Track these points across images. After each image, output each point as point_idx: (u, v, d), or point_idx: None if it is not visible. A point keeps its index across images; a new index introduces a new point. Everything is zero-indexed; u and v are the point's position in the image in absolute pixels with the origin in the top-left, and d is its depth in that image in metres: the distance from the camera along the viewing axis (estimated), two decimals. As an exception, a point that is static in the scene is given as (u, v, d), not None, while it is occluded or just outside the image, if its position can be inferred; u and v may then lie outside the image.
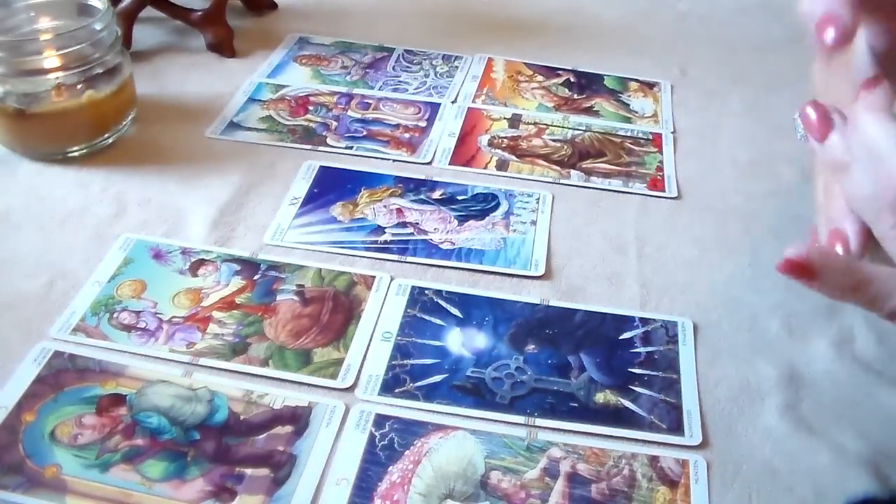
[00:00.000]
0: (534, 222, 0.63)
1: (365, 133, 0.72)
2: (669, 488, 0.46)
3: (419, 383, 0.51)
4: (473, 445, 0.47)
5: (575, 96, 0.78)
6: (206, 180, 0.65)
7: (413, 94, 0.77)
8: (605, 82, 0.81)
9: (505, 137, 0.72)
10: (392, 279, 0.57)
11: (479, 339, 0.54)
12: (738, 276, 0.60)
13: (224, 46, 0.81)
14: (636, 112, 0.77)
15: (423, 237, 0.61)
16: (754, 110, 0.78)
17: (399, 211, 0.63)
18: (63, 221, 0.60)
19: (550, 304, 0.56)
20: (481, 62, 0.83)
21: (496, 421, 0.49)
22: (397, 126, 0.73)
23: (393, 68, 0.81)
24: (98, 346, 0.51)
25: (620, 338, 0.54)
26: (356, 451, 0.46)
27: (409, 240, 0.61)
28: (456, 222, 0.62)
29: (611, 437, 0.48)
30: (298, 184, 0.65)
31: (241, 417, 0.48)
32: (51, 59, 0.63)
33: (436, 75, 0.80)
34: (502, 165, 0.69)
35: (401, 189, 0.65)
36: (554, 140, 0.72)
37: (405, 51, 0.83)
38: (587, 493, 0.45)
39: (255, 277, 0.57)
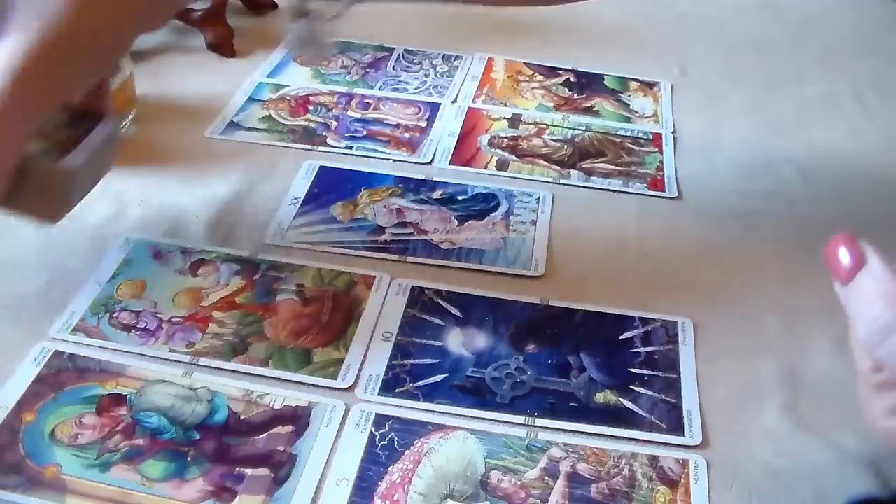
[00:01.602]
0: (534, 222, 0.63)
1: (365, 133, 0.72)
2: (669, 488, 0.46)
3: (419, 383, 0.51)
4: (473, 445, 0.47)
5: (575, 96, 0.78)
6: (206, 180, 0.65)
7: (413, 93, 0.77)
8: (605, 82, 0.81)
9: (505, 137, 0.72)
10: (392, 279, 0.57)
11: (479, 339, 0.54)
12: (738, 276, 0.60)
13: (224, 46, 0.81)
14: (636, 112, 0.77)
15: (423, 237, 0.61)
16: (754, 110, 0.78)
17: (399, 211, 0.63)
18: (63, 221, 0.60)
19: (550, 304, 0.56)
20: (481, 62, 0.83)
21: (496, 421, 0.49)
22: (397, 126, 0.73)
23: (393, 68, 0.81)
24: (98, 346, 0.51)
25: (620, 338, 0.54)
26: (356, 451, 0.46)
27: (409, 240, 0.61)
28: (456, 222, 0.62)
29: (611, 437, 0.48)
30: (298, 183, 0.65)
31: (241, 417, 0.48)
32: (51, 58, 0.63)
33: (436, 75, 0.80)
34: (502, 165, 0.69)
35: (401, 189, 0.65)
36: (554, 140, 0.72)
37: (405, 51, 0.83)
38: (587, 493, 0.45)
39: (255, 277, 0.57)
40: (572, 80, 0.81)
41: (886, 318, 0.38)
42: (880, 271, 0.39)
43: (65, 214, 0.52)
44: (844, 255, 0.40)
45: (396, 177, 0.67)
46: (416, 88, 0.78)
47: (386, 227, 0.61)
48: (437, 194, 0.65)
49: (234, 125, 0.71)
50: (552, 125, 0.74)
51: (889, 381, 0.39)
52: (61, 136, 0.52)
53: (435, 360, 0.52)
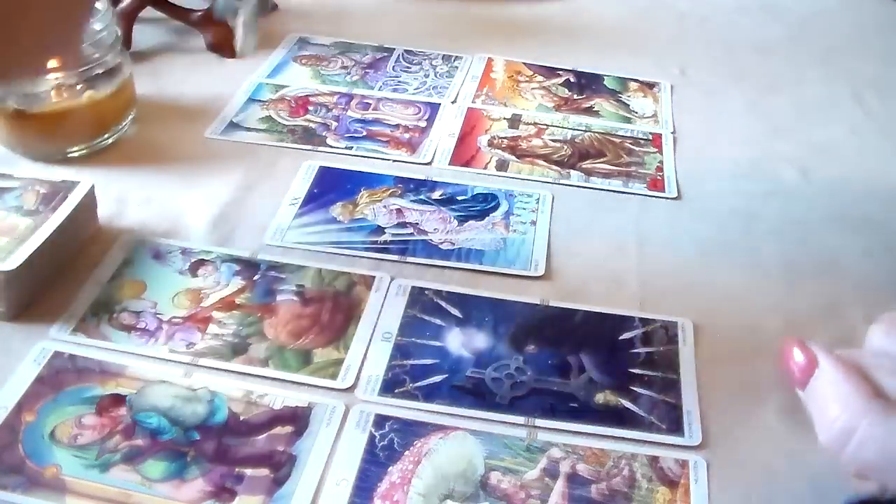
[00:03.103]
0: (534, 222, 0.63)
1: (365, 133, 0.72)
2: (669, 489, 0.46)
3: (419, 383, 0.51)
4: (473, 446, 0.47)
5: (575, 96, 0.78)
6: (206, 180, 0.65)
7: (413, 94, 0.77)
8: (605, 82, 0.81)
9: (505, 137, 0.72)
10: (392, 279, 0.57)
11: (479, 340, 0.54)
12: (738, 276, 0.60)
13: (224, 47, 0.81)
14: (636, 112, 0.77)
15: (423, 237, 0.61)
16: (754, 110, 0.78)
17: (399, 211, 0.63)
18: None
19: (550, 304, 0.56)
20: (481, 62, 0.83)
21: (496, 421, 0.49)
22: (397, 126, 0.73)
23: (393, 68, 0.81)
24: (98, 347, 0.51)
25: (620, 338, 0.54)
26: (356, 452, 0.46)
27: (408, 240, 0.61)
28: (456, 222, 0.62)
29: (611, 437, 0.48)
30: (298, 184, 0.65)
31: (241, 418, 0.48)
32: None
33: (436, 75, 0.80)
34: (502, 165, 0.69)
35: (401, 189, 0.65)
36: (554, 140, 0.72)
37: (405, 51, 0.83)
38: (587, 493, 0.45)
39: (255, 277, 0.57)
40: (572, 80, 0.81)
41: (843, 422, 0.38)
42: (832, 373, 0.40)
43: (20, 310, 0.52)
44: (799, 360, 0.41)
45: (396, 177, 0.67)
46: (415, 89, 0.78)
47: (386, 228, 0.61)
48: (436, 195, 0.65)
49: (233, 125, 0.71)
50: (552, 125, 0.74)
51: (864, 473, 0.40)
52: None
53: (435, 361, 0.52)
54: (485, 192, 0.66)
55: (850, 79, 0.84)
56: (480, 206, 0.64)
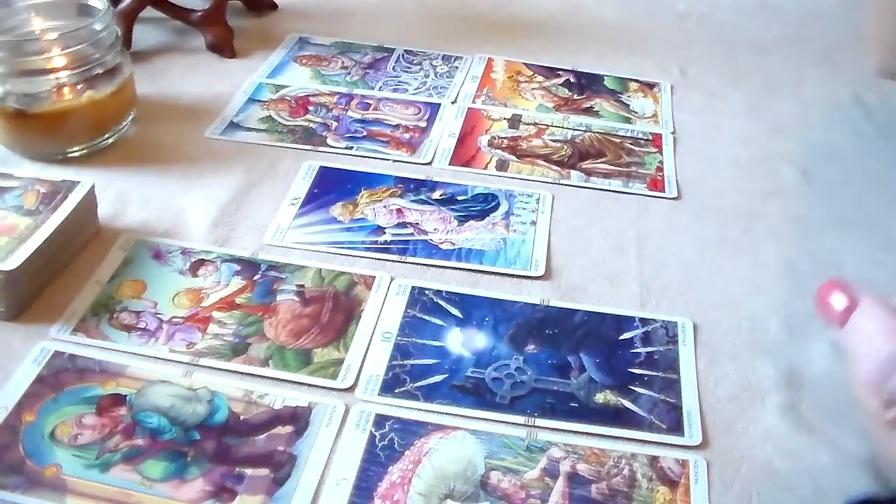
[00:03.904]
0: (534, 222, 0.63)
1: (365, 133, 0.72)
2: (669, 488, 0.46)
3: (419, 383, 0.51)
4: (473, 445, 0.47)
5: (575, 96, 0.78)
6: (206, 180, 0.65)
7: (413, 94, 0.77)
8: (605, 82, 0.81)
9: (505, 138, 0.72)
10: (392, 279, 0.57)
11: (479, 340, 0.54)
12: (738, 276, 0.60)
13: (224, 47, 0.81)
14: (636, 112, 0.77)
15: (423, 237, 0.61)
16: (754, 110, 0.78)
17: (399, 211, 0.63)
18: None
19: (550, 304, 0.56)
20: (481, 62, 0.83)
21: (496, 421, 0.49)
22: (397, 126, 0.73)
23: (393, 68, 0.81)
24: (98, 346, 0.51)
25: (620, 338, 0.54)
26: (356, 451, 0.46)
27: (409, 240, 0.61)
28: (456, 222, 0.62)
29: (611, 437, 0.48)
30: (298, 184, 0.65)
31: (241, 417, 0.48)
32: (51, 59, 0.63)
33: (436, 75, 0.80)
34: (502, 166, 0.69)
35: (401, 189, 0.65)
36: (554, 140, 0.72)
37: (405, 51, 0.83)
38: (587, 493, 0.45)
39: (255, 277, 0.57)
40: (572, 80, 0.81)
41: (889, 350, 0.39)
42: (875, 308, 0.41)
43: (20, 310, 0.52)
44: (839, 300, 0.42)
45: (396, 177, 0.67)
46: (415, 89, 0.78)
47: (386, 228, 0.61)
48: (437, 195, 0.65)
49: (234, 125, 0.71)
50: (552, 126, 0.74)
51: None
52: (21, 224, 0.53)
53: (435, 361, 0.52)
54: (485, 192, 0.66)
55: (850, 79, 0.84)
56: (480, 206, 0.64)
